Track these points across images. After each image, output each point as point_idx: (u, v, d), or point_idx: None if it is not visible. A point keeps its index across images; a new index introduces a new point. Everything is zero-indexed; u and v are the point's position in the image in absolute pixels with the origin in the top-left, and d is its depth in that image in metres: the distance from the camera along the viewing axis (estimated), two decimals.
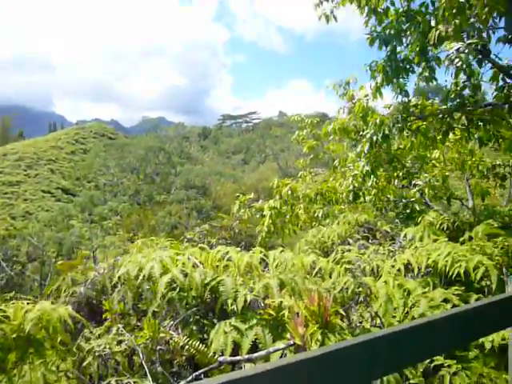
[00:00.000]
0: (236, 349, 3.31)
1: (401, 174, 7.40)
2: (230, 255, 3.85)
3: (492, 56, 5.88)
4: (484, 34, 5.51)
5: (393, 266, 4.41)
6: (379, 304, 4.01)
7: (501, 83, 6.23)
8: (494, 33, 5.52)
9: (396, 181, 7.54)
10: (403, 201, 7.38)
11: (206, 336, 3.61)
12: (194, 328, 3.61)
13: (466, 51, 4.37)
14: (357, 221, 6.04)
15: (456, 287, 4.23)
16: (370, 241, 5.77)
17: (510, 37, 5.88)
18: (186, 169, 50.47)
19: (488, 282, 4.49)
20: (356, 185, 5.93)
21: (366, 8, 6.34)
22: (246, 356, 2.98)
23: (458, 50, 4.36)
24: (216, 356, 3.20)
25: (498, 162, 8.25)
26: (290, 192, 6.50)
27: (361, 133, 6.12)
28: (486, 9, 4.48)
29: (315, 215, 6.88)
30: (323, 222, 6.92)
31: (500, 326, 2.88)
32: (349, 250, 5.16)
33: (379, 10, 6.32)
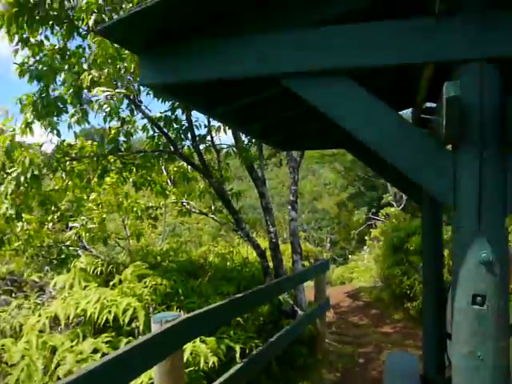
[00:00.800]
0: None
1: (55, 216, 6.98)
2: None
3: (143, 107, 6.40)
4: (136, 86, 5.94)
5: (38, 322, 3.96)
6: (20, 369, 3.49)
7: (151, 132, 6.87)
8: (144, 86, 6.01)
9: (50, 224, 7.06)
10: (58, 245, 6.95)
11: None
12: None
13: (115, 99, 4.53)
14: None
15: (107, 334, 4.15)
16: (14, 294, 5.07)
17: (154, 91, 6.56)
18: None
19: (138, 323, 4.60)
20: None
21: (16, 36, 5.84)
22: None
23: (106, 96, 4.46)
24: None
25: (150, 204, 8.94)
26: None
27: (7, 170, 5.43)
28: (134, 63, 4.81)
29: None
30: None
31: (144, 367, 2.89)
32: None
33: (32, 41, 5.92)
